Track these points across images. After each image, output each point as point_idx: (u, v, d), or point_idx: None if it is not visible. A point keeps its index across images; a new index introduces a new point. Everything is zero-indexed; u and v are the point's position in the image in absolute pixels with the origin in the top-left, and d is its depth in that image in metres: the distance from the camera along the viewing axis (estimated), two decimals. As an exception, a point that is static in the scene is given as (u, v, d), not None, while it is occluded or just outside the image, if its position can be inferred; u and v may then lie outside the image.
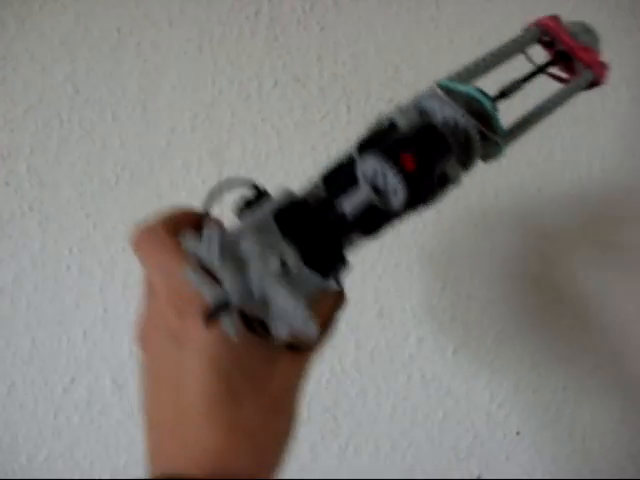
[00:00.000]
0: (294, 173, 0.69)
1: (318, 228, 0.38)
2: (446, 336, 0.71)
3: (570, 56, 0.47)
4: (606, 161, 0.73)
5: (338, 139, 0.69)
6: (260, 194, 0.39)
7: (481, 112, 0.40)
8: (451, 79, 0.41)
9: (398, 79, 0.70)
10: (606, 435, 0.74)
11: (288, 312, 0.33)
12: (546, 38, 0.47)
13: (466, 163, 0.40)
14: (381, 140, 0.38)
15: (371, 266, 0.69)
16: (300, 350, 0.37)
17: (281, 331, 0.34)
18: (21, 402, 0.67)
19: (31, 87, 0.66)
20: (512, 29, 0.71)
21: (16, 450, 0.68)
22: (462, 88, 0.40)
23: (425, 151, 0.37)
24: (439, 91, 0.40)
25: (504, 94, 0.43)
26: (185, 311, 0.34)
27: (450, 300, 0.71)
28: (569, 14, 0.71)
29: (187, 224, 0.37)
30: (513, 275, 0.72)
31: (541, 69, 0.46)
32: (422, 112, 0.39)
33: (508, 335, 0.72)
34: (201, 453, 0.33)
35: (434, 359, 0.71)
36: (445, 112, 0.39)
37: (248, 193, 0.39)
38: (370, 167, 0.37)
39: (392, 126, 0.39)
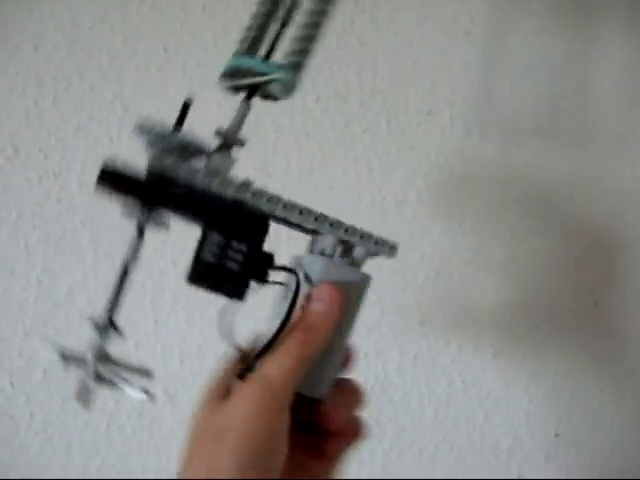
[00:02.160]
0: (337, 186, 0.71)
1: None
2: (485, 341, 0.73)
3: None
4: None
5: (378, 152, 0.71)
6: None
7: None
8: None
9: (435, 93, 0.72)
10: (641, 435, 0.76)
11: None
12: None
13: None
14: None
15: (413, 275, 0.71)
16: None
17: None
18: (75, 413, 0.69)
19: (81, 106, 0.68)
20: (542, 42, 0.74)
21: (70, 459, 0.69)
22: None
23: None
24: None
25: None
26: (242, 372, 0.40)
27: (489, 306, 0.73)
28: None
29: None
30: (550, 280, 0.74)
31: None
32: None
33: (545, 339, 0.74)
34: None
35: (474, 364, 0.73)
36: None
37: None
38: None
39: None
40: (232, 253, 0.41)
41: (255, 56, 0.45)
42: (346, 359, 0.45)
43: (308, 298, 0.41)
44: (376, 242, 0.44)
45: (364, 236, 0.44)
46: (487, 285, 0.73)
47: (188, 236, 0.69)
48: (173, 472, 0.71)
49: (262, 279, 0.42)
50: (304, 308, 0.41)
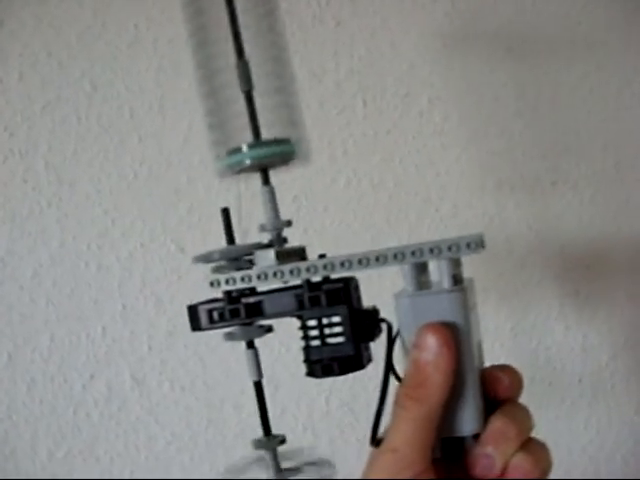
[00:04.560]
0: (311, 168, 0.69)
1: None
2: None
3: None
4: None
5: (354, 134, 0.70)
6: None
7: None
8: None
9: (413, 75, 0.70)
10: (620, 426, 0.75)
11: None
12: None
13: None
14: None
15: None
16: None
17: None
18: (41, 399, 0.68)
19: (48, 84, 0.66)
20: (525, 24, 0.72)
21: (36, 447, 0.68)
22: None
23: None
24: None
25: None
26: None
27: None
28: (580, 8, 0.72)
29: None
30: (530, 268, 0.72)
31: None
32: None
33: (523, 329, 0.73)
34: None
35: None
36: None
37: None
38: None
39: None
40: (329, 329, 0.41)
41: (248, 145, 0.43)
42: (490, 382, 0.39)
43: (414, 347, 0.37)
44: (449, 248, 0.38)
45: (434, 249, 0.38)
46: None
47: (156, 218, 0.68)
48: (140, 460, 0.70)
49: (371, 337, 0.41)
50: (412, 360, 0.37)
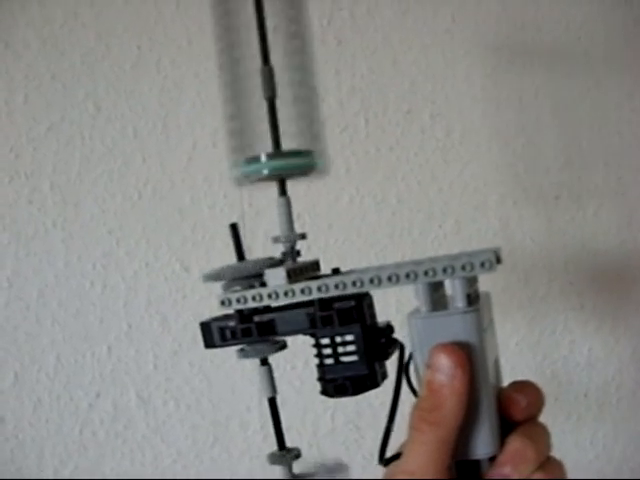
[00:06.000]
0: (314, 186, 0.69)
1: None
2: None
3: None
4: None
5: (357, 151, 0.70)
6: None
7: None
8: None
9: (415, 91, 0.71)
10: (627, 441, 0.74)
11: None
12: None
13: None
14: None
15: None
16: None
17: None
18: (47, 418, 0.68)
19: (53, 105, 0.67)
20: (526, 39, 0.72)
21: (43, 465, 0.68)
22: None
23: None
24: None
25: None
26: None
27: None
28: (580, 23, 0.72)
29: None
30: (534, 283, 0.72)
31: None
32: None
33: (528, 343, 0.73)
34: None
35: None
36: None
37: None
38: None
39: None
40: (342, 348, 0.40)
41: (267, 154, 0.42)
42: (507, 405, 0.38)
43: (428, 368, 0.36)
44: (463, 267, 0.36)
45: (447, 269, 0.36)
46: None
47: (160, 237, 0.68)
48: (147, 477, 0.70)
49: (386, 356, 0.40)
50: (426, 382, 0.36)
